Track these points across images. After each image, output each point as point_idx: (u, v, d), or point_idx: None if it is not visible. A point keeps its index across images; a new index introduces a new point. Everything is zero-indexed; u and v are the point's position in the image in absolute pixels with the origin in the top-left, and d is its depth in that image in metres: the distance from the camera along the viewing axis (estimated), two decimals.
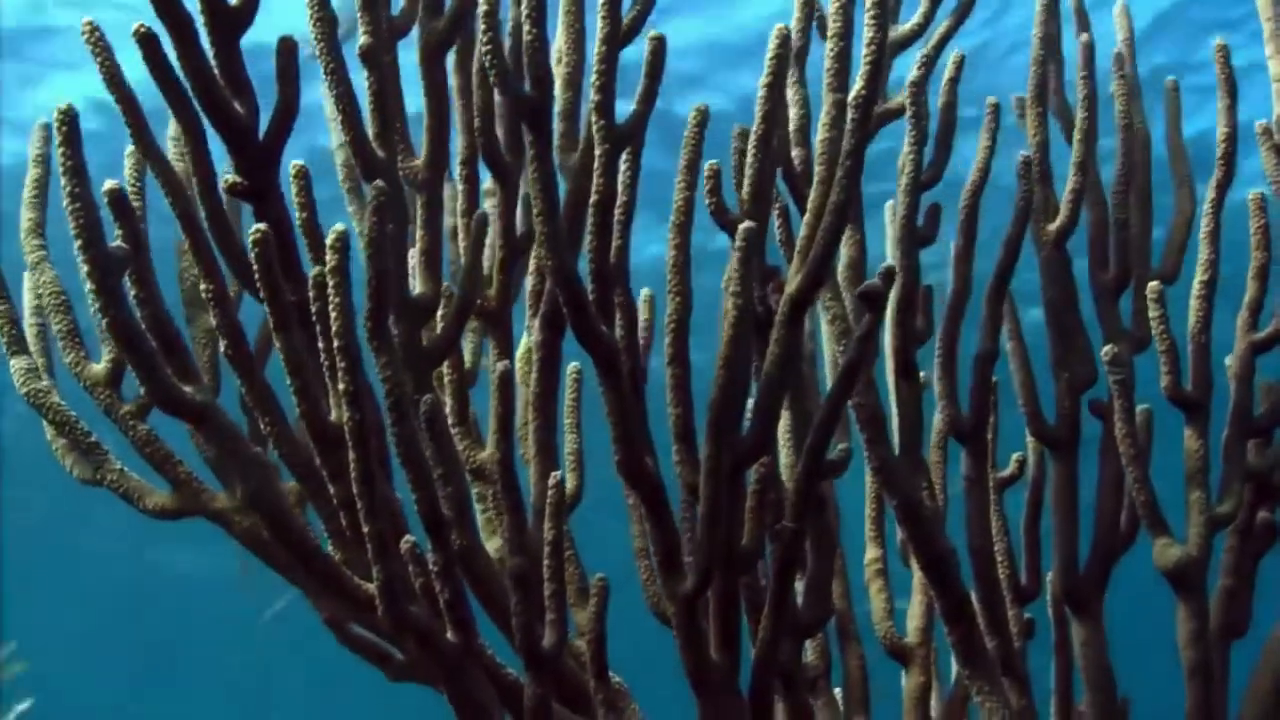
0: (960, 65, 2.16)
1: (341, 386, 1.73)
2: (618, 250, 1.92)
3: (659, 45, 1.87)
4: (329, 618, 2.03)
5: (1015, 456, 2.32)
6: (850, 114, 1.87)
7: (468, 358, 2.14)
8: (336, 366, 1.73)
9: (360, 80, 1.92)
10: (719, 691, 1.96)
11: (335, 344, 1.72)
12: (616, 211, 1.91)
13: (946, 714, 2.30)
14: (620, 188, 1.90)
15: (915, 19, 2.21)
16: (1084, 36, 2.27)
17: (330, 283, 1.70)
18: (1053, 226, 2.23)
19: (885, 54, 1.87)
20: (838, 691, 2.26)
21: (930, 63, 2.15)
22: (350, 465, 1.75)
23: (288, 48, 1.84)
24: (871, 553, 2.32)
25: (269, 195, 1.89)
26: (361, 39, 1.88)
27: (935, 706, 2.27)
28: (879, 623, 2.29)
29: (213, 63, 1.82)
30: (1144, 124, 2.32)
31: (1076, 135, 2.23)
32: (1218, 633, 2.22)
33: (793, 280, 1.92)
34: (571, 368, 2.07)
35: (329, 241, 1.68)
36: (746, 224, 1.84)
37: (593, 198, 1.88)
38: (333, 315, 1.71)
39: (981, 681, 2.13)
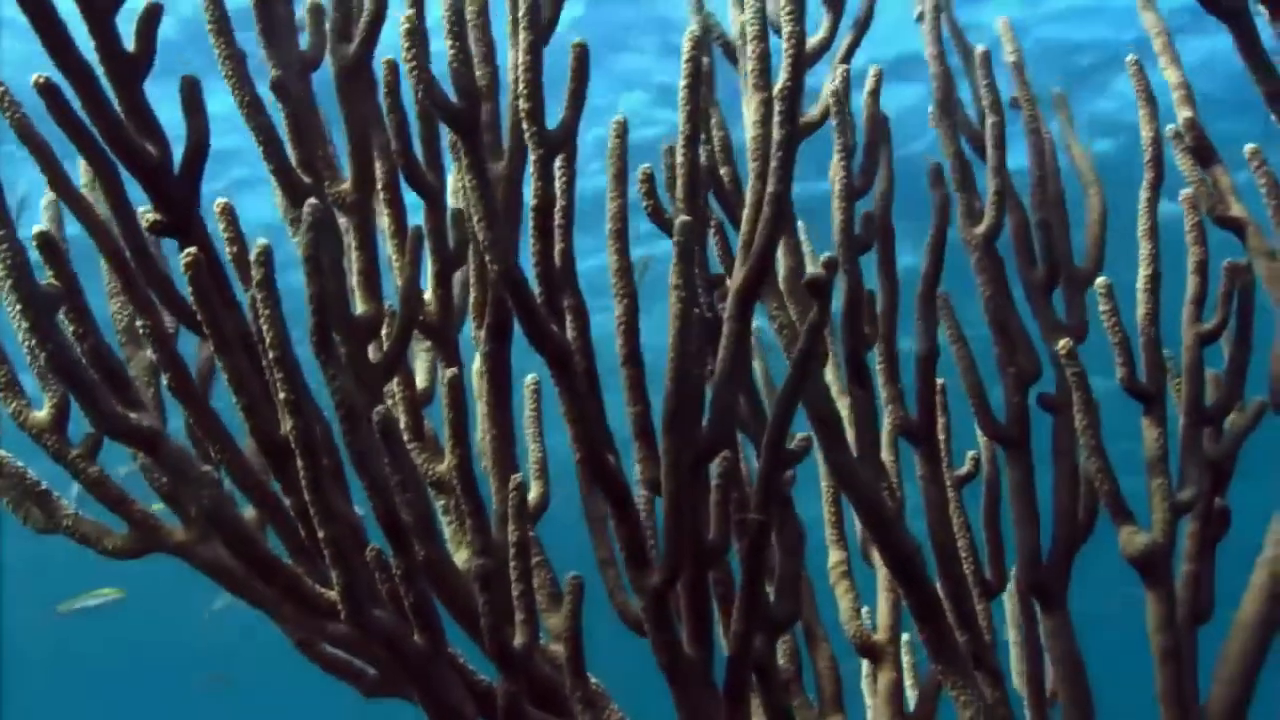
0: (880, 78, 2.12)
1: (282, 396, 1.64)
2: (561, 254, 1.83)
3: (582, 52, 1.81)
4: (299, 639, 1.91)
5: (970, 455, 2.24)
6: (778, 106, 1.80)
7: (421, 378, 2.04)
8: (276, 378, 1.63)
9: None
10: (694, 685, 1.85)
11: (271, 355, 1.62)
12: (556, 215, 1.82)
13: (919, 708, 2.21)
14: (558, 192, 1.83)
15: (820, 32, 2.15)
16: (979, 49, 2.24)
17: (258, 296, 1.61)
18: (979, 229, 2.18)
19: (805, 46, 1.84)
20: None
21: (845, 73, 2.12)
22: (301, 474, 1.66)
23: (190, 84, 1.75)
24: (835, 556, 2.24)
25: (191, 229, 1.80)
26: (271, 72, 1.80)
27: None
28: (848, 622, 2.20)
29: (118, 108, 1.74)
30: (1048, 129, 2.30)
31: (989, 142, 2.18)
32: (1185, 618, 2.13)
33: (738, 273, 1.83)
34: (529, 379, 1.99)
35: (253, 257, 1.59)
36: (681, 219, 1.75)
37: (532, 202, 1.80)
38: (264, 328, 1.61)
39: (955, 676, 2.05)
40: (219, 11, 1.75)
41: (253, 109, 1.77)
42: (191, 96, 1.76)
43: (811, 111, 2.14)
